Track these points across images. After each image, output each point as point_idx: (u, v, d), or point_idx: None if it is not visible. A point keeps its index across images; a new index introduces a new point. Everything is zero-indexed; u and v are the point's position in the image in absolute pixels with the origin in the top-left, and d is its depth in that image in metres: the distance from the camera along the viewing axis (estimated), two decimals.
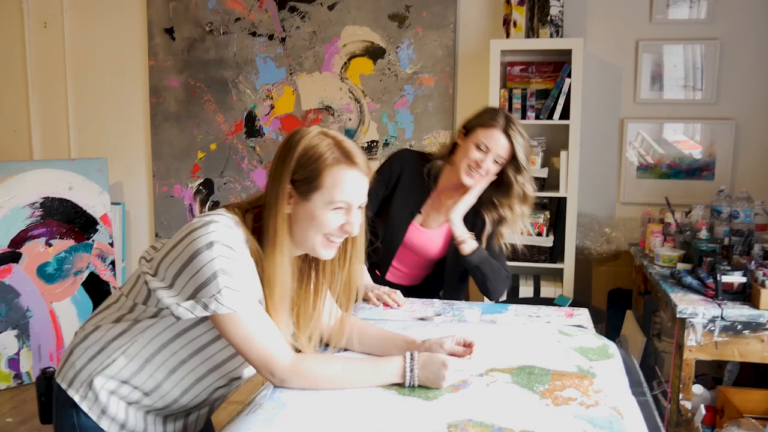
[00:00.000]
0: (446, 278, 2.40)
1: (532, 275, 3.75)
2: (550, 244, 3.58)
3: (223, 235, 1.34)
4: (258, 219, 1.44)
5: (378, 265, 2.46)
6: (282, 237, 1.39)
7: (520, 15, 3.56)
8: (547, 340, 1.81)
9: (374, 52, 3.99)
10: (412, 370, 1.47)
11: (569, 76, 3.45)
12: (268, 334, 1.40)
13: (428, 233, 2.36)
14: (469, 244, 2.25)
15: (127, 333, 1.44)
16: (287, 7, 4.07)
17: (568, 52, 3.47)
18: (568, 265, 3.54)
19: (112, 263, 4.16)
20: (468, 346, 1.63)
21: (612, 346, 1.79)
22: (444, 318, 2.04)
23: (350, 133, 4.04)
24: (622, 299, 3.68)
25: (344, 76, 4.04)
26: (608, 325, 3.60)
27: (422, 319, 2.02)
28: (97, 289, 4.09)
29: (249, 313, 1.37)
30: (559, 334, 1.85)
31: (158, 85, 4.32)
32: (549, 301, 3.37)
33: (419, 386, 1.49)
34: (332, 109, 4.08)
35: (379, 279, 2.44)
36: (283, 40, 4.11)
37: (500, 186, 2.25)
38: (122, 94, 4.41)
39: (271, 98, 4.17)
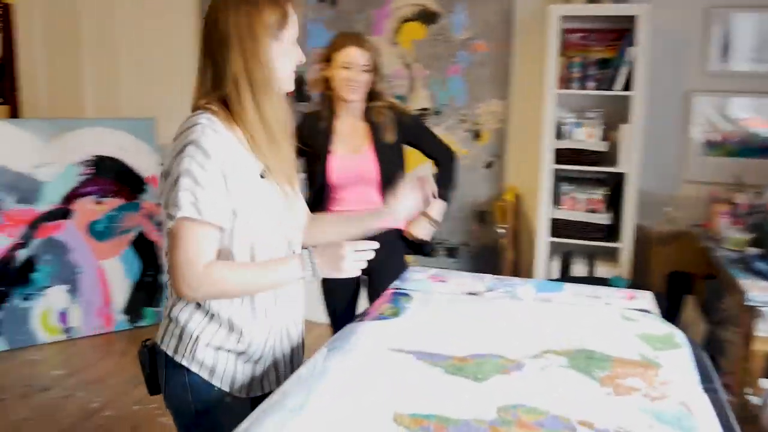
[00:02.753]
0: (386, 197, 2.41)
1: (587, 254, 3.58)
2: (607, 222, 3.40)
3: (202, 138, 1.39)
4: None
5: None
6: (274, 74, 1.48)
7: None
8: (608, 324, 1.67)
9: (427, 17, 3.82)
10: (312, 263, 1.49)
11: (632, 44, 3.24)
12: (201, 243, 1.39)
13: (356, 158, 2.46)
14: (439, 210, 2.51)
15: None
16: None
17: (632, 19, 3.25)
18: (626, 244, 3.36)
19: (160, 224, 4.14)
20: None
21: (679, 335, 1.63)
22: (495, 294, 1.91)
23: (400, 100, 3.90)
24: (682, 283, 3.49)
25: (396, 41, 3.89)
26: (667, 311, 3.40)
27: (472, 293, 1.90)
28: (146, 248, 4.09)
29: (197, 223, 1.38)
30: (622, 318, 1.70)
31: None
32: (604, 282, 3.20)
33: (460, 368, 1.38)
34: None
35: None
36: (333, 2, 3.97)
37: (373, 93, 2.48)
38: (173, 55, 4.35)
39: None
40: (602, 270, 3.43)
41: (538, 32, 3.54)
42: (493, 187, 3.82)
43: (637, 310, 1.79)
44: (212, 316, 1.48)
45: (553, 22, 3.34)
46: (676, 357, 1.50)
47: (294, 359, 1.64)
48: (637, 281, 3.41)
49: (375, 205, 2.39)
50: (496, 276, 2.11)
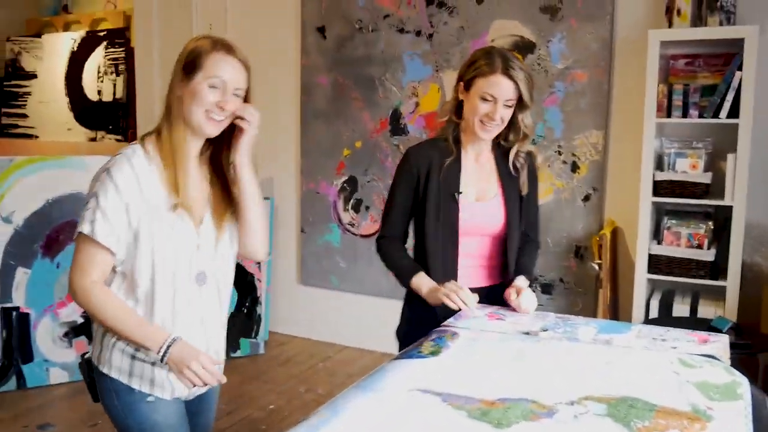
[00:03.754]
0: (509, 253, 2.13)
1: (690, 292, 3.35)
2: (711, 258, 3.17)
3: (117, 170, 1.54)
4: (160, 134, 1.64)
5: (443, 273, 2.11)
6: (177, 112, 1.60)
7: (685, 2, 3.18)
8: (662, 369, 1.55)
9: (524, 47, 3.77)
10: (167, 348, 1.54)
11: (740, 68, 3.04)
12: (93, 259, 1.54)
13: (482, 207, 2.11)
14: (524, 283, 2.10)
15: (120, 292, 1.60)
16: (435, 2, 3.96)
17: (740, 42, 3.05)
18: (732, 283, 3.12)
19: None
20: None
21: (744, 385, 1.49)
22: (551, 334, 1.83)
23: None
24: None
25: None
26: None
27: (526, 333, 1.83)
28: (242, 279, 4.21)
29: (91, 241, 1.52)
30: (680, 364, 1.58)
31: (309, 83, 4.39)
32: (706, 323, 2.99)
33: (485, 413, 1.32)
34: None
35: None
36: (430, 36, 4.01)
37: (510, 126, 2.09)
38: (276, 92, 4.53)
39: (417, 96, 4.09)
40: (706, 310, 3.20)
41: (639, 59, 3.39)
42: (591, 221, 3.67)
43: (702, 355, 1.65)
44: None
45: (652, 48, 3.20)
46: (732, 409, 1.37)
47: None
48: (744, 323, 3.16)
49: (494, 261, 2.15)
50: (560, 315, 2.03)
